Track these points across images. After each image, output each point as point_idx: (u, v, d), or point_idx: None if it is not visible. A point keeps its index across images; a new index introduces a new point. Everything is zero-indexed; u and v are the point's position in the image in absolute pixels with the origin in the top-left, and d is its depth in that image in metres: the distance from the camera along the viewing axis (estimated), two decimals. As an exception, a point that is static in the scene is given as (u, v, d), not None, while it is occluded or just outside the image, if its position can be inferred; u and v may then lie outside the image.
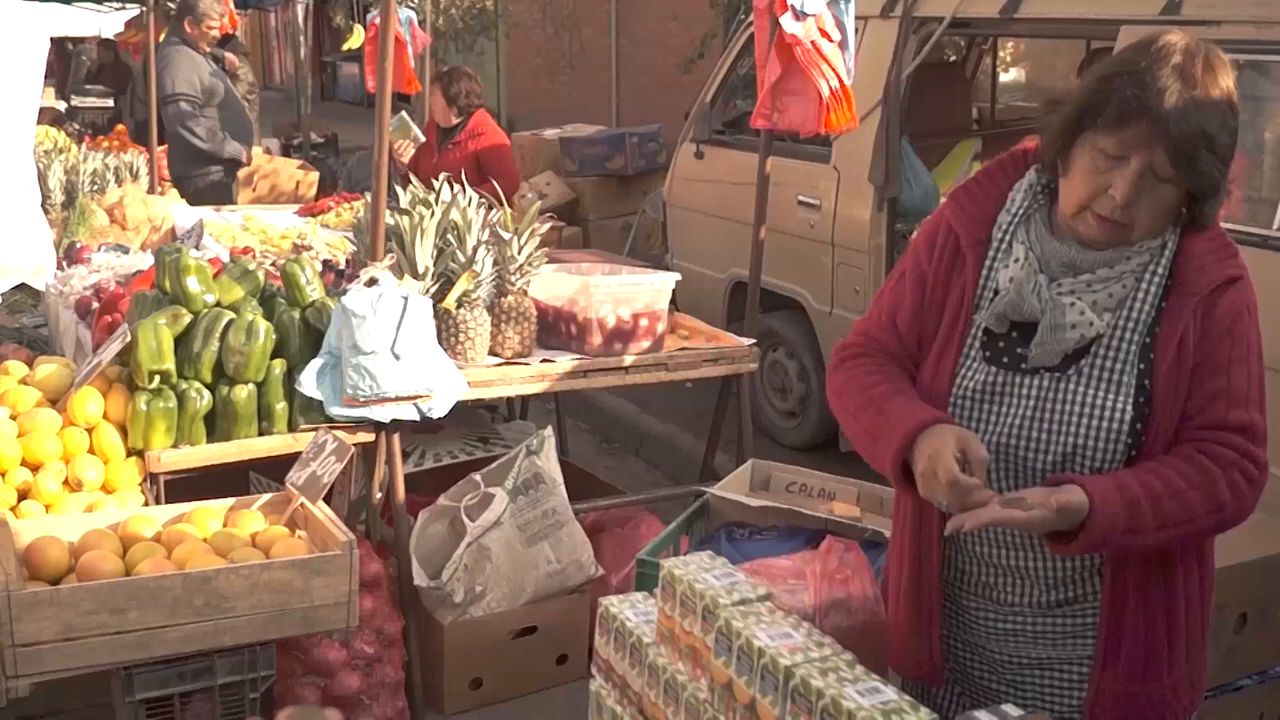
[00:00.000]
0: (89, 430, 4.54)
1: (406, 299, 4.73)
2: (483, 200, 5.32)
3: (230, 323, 4.70)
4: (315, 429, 4.70)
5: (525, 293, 5.30)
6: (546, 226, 5.35)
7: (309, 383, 4.73)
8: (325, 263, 6.75)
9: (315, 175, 10.55)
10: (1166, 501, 2.50)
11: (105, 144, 10.92)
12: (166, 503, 4.51)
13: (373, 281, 4.81)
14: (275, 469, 4.78)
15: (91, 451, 4.52)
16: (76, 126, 13.50)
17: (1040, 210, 2.73)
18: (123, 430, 4.58)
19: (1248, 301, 2.63)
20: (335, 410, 4.75)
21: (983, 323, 2.73)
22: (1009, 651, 2.81)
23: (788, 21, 5.42)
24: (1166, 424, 2.59)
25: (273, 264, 6.22)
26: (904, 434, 2.63)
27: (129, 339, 4.56)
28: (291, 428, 4.81)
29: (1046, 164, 2.71)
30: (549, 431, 5.31)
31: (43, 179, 8.16)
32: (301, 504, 4.32)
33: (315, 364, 4.77)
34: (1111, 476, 2.55)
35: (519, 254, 5.20)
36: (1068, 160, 2.60)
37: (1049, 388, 2.65)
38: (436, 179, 5.52)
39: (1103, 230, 2.57)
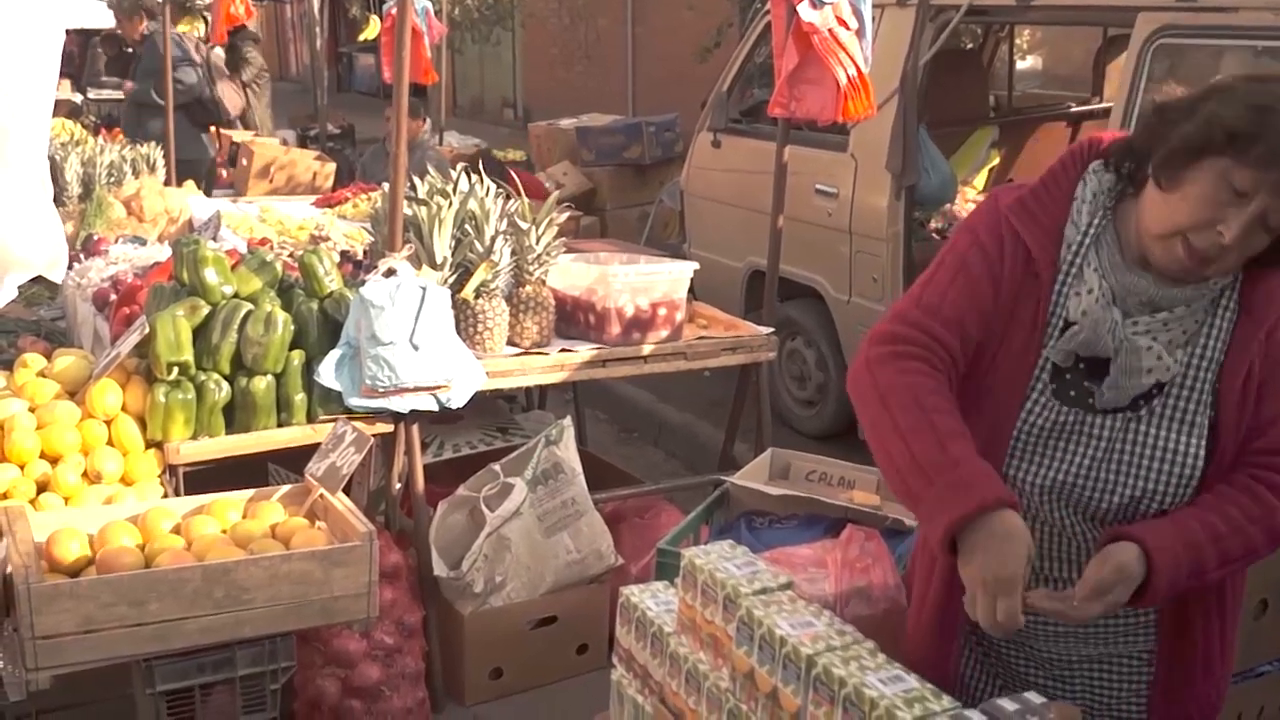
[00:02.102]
0: (108, 422, 4.55)
1: (425, 289, 4.73)
2: (500, 190, 5.32)
3: (248, 314, 4.71)
4: (334, 420, 4.70)
5: (543, 282, 5.29)
6: (564, 216, 5.33)
7: (327, 374, 4.73)
8: (343, 253, 6.76)
9: (332, 166, 10.54)
10: (1228, 540, 2.43)
11: (122, 136, 10.93)
12: (185, 494, 4.51)
13: (391, 272, 4.81)
14: (294, 460, 4.78)
15: (110, 443, 4.53)
16: (93, 119, 13.51)
17: (1108, 230, 2.55)
18: (141, 422, 4.58)
19: None
20: (354, 401, 4.75)
21: (1051, 357, 2.58)
22: (1059, 650, 2.74)
23: (805, 9, 5.41)
24: (1230, 456, 2.51)
25: (290, 255, 6.23)
26: (973, 506, 2.37)
27: (147, 331, 4.57)
28: (310, 419, 4.82)
29: (1130, 158, 2.51)
30: (568, 421, 5.31)
31: (60, 171, 8.18)
32: (321, 495, 4.32)
33: (334, 355, 4.77)
34: (1171, 521, 2.47)
35: (537, 244, 5.20)
36: (1179, 178, 2.37)
37: (1120, 429, 2.54)
38: None
39: (1189, 261, 2.38)
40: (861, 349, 2.72)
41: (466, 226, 5.15)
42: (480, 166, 5.61)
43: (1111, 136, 2.66)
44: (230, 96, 11.50)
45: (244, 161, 10.02)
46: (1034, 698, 2.09)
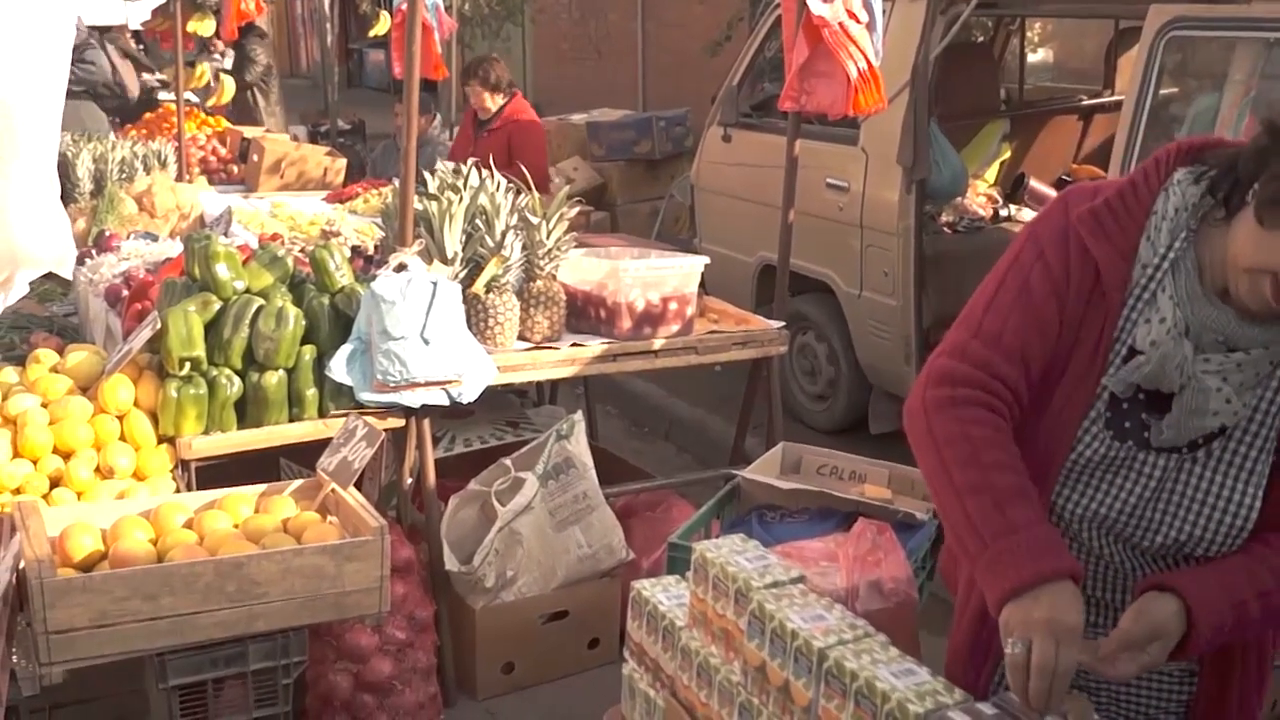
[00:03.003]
0: (120, 418, 4.56)
1: (435, 284, 4.73)
2: (511, 185, 5.32)
3: (260, 309, 4.71)
4: (345, 415, 4.71)
5: (554, 277, 5.29)
6: (574, 211, 5.33)
7: (339, 368, 4.73)
8: (354, 249, 6.76)
9: (343, 162, 10.53)
10: (1275, 597, 2.34)
11: (133, 132, 10.94)
12: (198, 489, 4.52)
13: (402, 267, 4.81)
14: (306, 455, 4.79)
15: (123, 439, 4.54)
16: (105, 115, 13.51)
17: (1189, 254, 2.36)
18: (153, 417, 4.59)
19: None
20: (365, 396, 4.75)
21: (1110, 386, 2.42)
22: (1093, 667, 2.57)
23: (815, 3, 5.40)
24: None
25: (301, 250, 6.22)
26: (1030, 578, 2.26)
27: (159, 326, 4.57)
28: (322, 414, 4.82)
29: (1240, 192, 2.28)
30: (579, 416, 5.31)
31: (72, 168, 8.19)
32: (332, 490, 4.33)
33: (345, 350, 4.77)
34: (1216, 572, 2.36)
35: (547, 238, 5.19)
36: (1277, 209, 2.16)
37: (1173, 469, 2.40)
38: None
39: (1276, 304, 2.20)
40: (918, 385, 2.55)
41: (477, 221, 5.15)
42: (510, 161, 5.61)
43: (1204, 142, 2.46)
44: (130, 79, 11.48)
45: (255, 157, 10.01)
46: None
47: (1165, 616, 2.29)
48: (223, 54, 12.64)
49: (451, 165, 5.59)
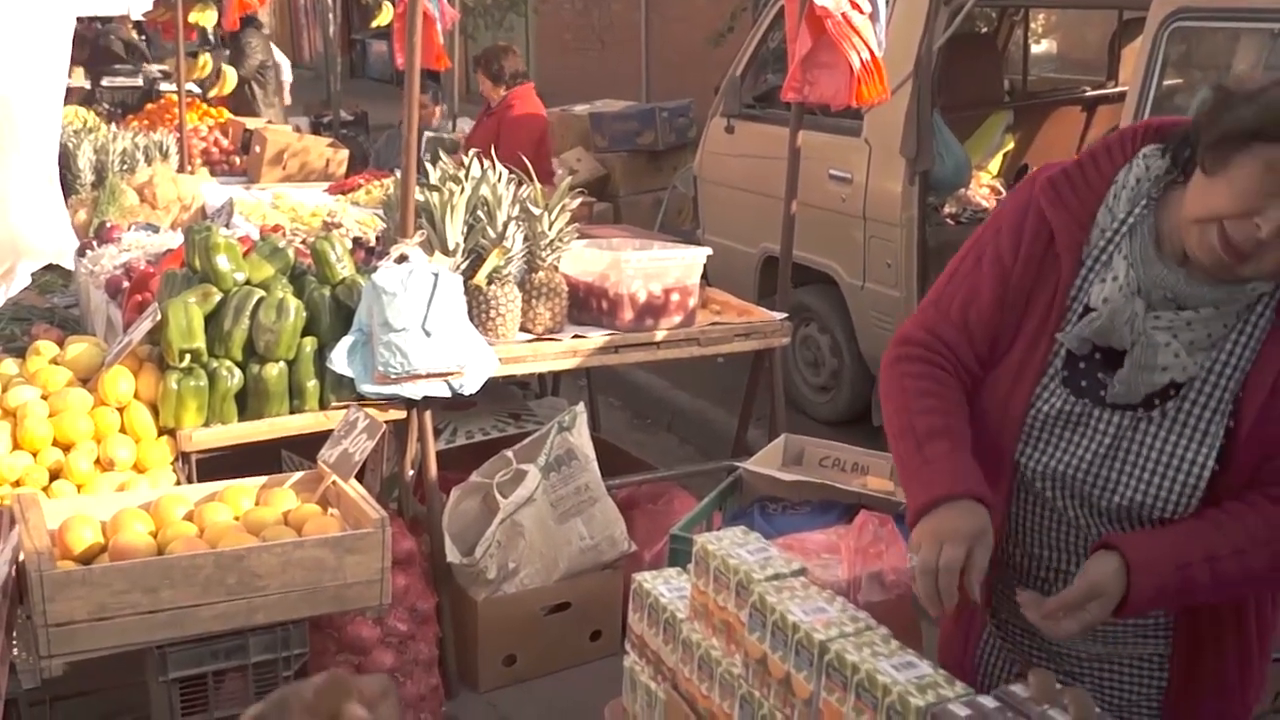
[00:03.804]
0: (120, 409, 4.55)
1: (437, 276, 4.72)
2: (513, 176, 5.31)
3: (260, 301, 4.70)
4: (346, 406, 4.70)
5: (556, 268, 5.28)
6: (577, 202, 5.32)
7: (340, 360, 4.73)
8: (355, 240, 6.76)
9: (345, 153, 10.53)
10: (1226, 562, 2.33)
11: (135, 123, 10.94)
12: (198, 481, 4.51)
13: (403, 258, 4.80)
14: (307, 447, 4.78)
15: (123, 431, 4.53)
16: (106, 106, 13.53)
17: (1147, 220, 2.45)
18: (154, 409, 4.58)
19: None
20: (366, 388, 4.75)
21: (1065, 342, 2.50)
22: (1071, 645, 2.65)
23: (818, -7, 5.40)
24: (1247, 469, 2.38)
25: (303, 242, 6.22)
26: (927, 501, 2.45)
27: (159, 318, 4.56)
28: (323, 405, 4.82)
29: (1188, 144, 2.37)
30: (581, 407, 5.30)
31: (73, 159, 8.18)
32: (333, 482, 4.32)
33: (346, 341, 4.76)
34: (1166, 535, 2.39)
35: (549, 230, 5.19)
36: (1225, 162, 2.24)
37: (1127, 427, 2.44)
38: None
39: (1224, 252, 2.26)
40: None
41: (479, 212, 5.14)
42: (494, 152, 5.60)
43: (1173, 122, 2.54)
44: None
45: (257, 148, 10.01)
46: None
47: (1104, 574, 2.34)
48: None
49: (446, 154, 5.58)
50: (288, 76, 15.22)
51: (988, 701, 1.97)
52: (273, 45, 14.95)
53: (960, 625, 2.81)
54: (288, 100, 14.93)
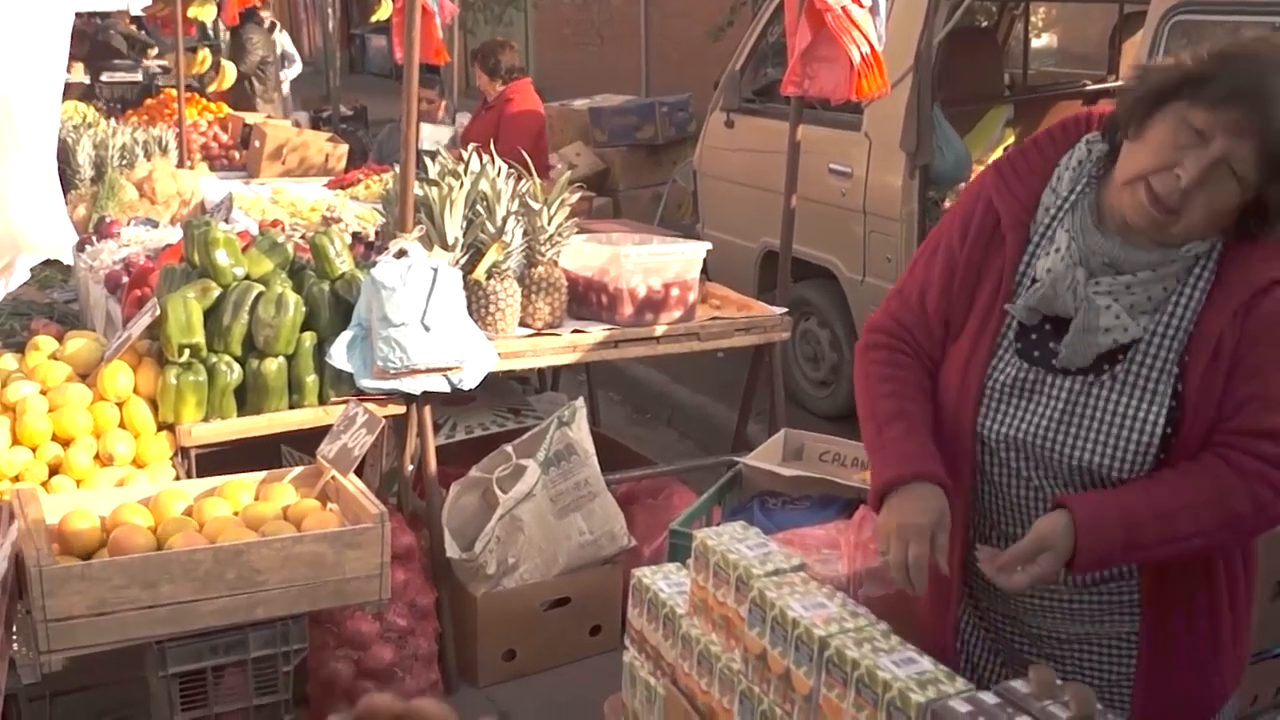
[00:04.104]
0: (119, 405, 4.55)
1: (436, 270, 4.72)
2: (512, 170, 5.30)
3: (260, 296, 4.70)
4: (346, 401, 4.69)
5: (555, 263, 5.28)
6: (576, 197, 5.32)
7: (339, 355, 4.72)
8: (354, 235, 6.74)
9: (344, 148, 10.51)
10: (1176, 518, 2.42)
11: (134, 118, 10.93)
12: (197, 476, 4.51)
13: (402, 253, 4.80)
14: (306, 442, 4.78)
15: (122, 426, 4.53)
16: (105, 101, 13.52)
17: (1088, 196, 2.57)
18: (153, 404, 4.58)
19: None
20: (366, 382, 4.74)
21: (1014, 313, 2.62)
22: (1048, 627, 2.73)
23: (818, -13, 5.39)
24: (1198, 430, 2.47)
25: (302, 236, 6.21)
26: (883, 484, 2.64)
27: (158, 313, 4.56)
28: (322, 400, 4.82)
29: (1119, 125, 2.51)
30: (580, 402, 5.29)
31: (72, 154, 8.18)
32: (333, 477, 4.32)
33: (345, 336, 4.76)
34: (1115, 493, 2.49)
35: (549, 224, 5.18)
36: (1144, 125, 2.42)
37: (1079, 390, 2.54)
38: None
39: (1152, 208, 2.38)
40: None
41: (478, 207, 5.13)
42: (493, 146, 5.60)
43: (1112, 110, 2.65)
44: None
45: (256, 143, 9.99)
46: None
47: (1053, 529, 2.44)
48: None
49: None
50: (296, 70, 15.19)
51: (988, 698, 1.96)
52: (287, 38, 14.95)
53: (939, 612, 2.87)
54: (286, 93, 14.90)
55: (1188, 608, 2.61)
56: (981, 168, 8.15)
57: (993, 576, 2.51)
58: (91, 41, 14.94)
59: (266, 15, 14.13)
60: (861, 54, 5.47)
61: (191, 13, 11.88)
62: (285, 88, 14.81)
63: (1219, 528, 2.45)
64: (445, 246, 5.03)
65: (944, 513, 2.56)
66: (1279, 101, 2.29)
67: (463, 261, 5.07)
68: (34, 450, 4.38)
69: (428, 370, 4.75)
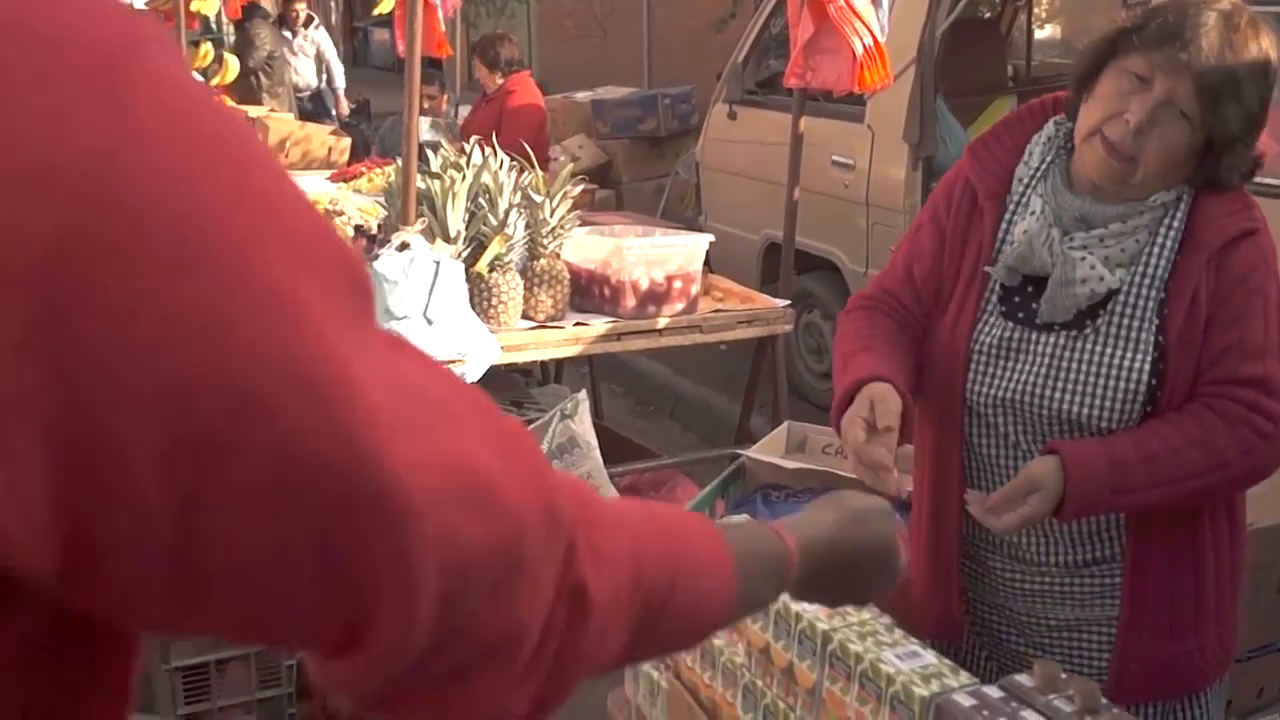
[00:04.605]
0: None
1: (438, 263, 4.71)
2: (514, 163, 5.30)
3: (262, 289, 4.69)
4: (348, 395, 4.68)
5: (558, 256, 5.27)
6: (579, 189, 5.31)
7: (341, 348, 4.71)
8: (357, 228, 6.73)
9: (347, 141, 10.52)
10: (1162, 460, 2.46)
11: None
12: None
13: (404, 246, 4.79)
14: (309, 435, 4.77)
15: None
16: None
17: (1059, 165, 2.69)
18: (156, 398, 4.57)
19: (1264, 253, 2.55)
20: (368, 376, 4.73)
21: (995, 276, 2.70)
22: (1035, 613, 2.76)
23: (820, -22, 5.38)
24: (1182, 382, 2.53)
25: (305, 230, 6.19)
26: (837, 400, 2.65)
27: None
28: (324, 394, 4.80)
29: (1073, 90, 2.66)
30: (583, 395, 5.28)
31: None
32: (335, 470, 4.31)
33: (347, 329, 4.75)
34: (1102, 439, 2.53)
35: (551, 217, 5.17)
36: (1093, 85, 2.57)
37: (1064, 345, 2.61)
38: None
39: (1109, 158, 2.51)
40: None
41: (480, 200, 5.12)
42: (494, 139, 5.59)
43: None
44: None
45: (259, 137, 10.01)
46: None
47: (1042, 470, 2.48)
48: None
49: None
50: (341, 83, 15.26)
51: (992, 691, 1.96)
52: (326, 39, 14.97)
53: (933, 582, 2.89)
54: (345, 109, 14.99)
55: (1172, 587, 2.65)
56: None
57: (982, 519, 2.55)
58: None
59: (302, 8, 14.18)
60: (864, 45, 5.46)
61: (194, 6, 11.88)
62: (344, 107, 14.91)
63: (1207, 471, 2.49)
64: (447, 239, 5.02)
65: (875, 393, 2.56)
66: (1206, 35, 2.42)
67: (465, 254, 5.07)
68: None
69: (430, 363, 4.74)
